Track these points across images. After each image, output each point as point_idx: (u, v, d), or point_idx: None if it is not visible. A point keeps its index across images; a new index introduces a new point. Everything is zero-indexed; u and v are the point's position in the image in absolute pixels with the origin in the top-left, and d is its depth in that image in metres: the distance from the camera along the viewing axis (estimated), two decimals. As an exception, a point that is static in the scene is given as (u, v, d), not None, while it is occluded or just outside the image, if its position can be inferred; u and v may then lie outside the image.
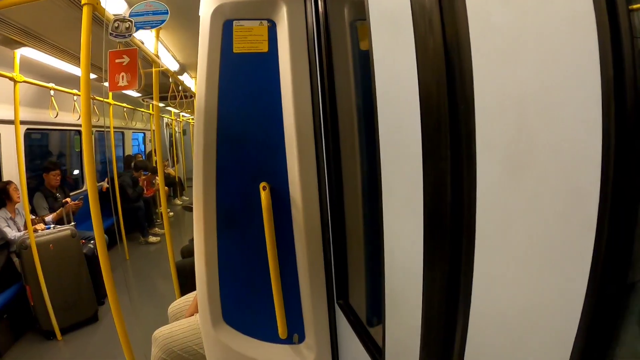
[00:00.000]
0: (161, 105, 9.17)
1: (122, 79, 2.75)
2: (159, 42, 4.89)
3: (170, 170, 12.74)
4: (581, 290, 0.65)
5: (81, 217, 6.24)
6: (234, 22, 2.32)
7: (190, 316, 2.97)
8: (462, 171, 0.94)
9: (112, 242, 6.19)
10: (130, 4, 4.11)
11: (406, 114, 1.14)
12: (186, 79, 8.27)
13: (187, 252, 5.10)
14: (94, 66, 2.80)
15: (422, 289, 1.11)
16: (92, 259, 5.15)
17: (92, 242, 5.45)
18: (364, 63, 1.60)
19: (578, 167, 0.65)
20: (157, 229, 8.96)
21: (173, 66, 7.00)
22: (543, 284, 0.74)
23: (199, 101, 2.30)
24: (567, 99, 0.66)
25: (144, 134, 13.52)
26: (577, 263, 0.66)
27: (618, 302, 0.65)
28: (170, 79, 5.45)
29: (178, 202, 12.56)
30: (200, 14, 2.32)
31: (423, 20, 1.02)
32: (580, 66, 0.63)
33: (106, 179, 8.24)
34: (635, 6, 0.59)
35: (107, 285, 2.81)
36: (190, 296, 3.26)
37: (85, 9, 2.66)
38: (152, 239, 8.47)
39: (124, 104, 8.96)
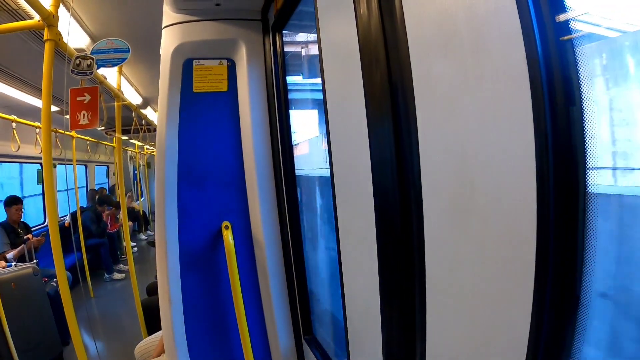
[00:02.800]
0: (125, 138, 9.20)
1: (84, 117, 2.83)
2: (122, 76, 4.99)
3: (135, 205, 12.58)
4: (525, 327, 0.73)
5: (44, 253, 6.19)
6: (194, 61, 2.41)
7: (158, 357, 2.98)
8: (410, 216, 1.05)
9: (76, 280, 6.12)
10: (93, 38, 4.25)
11: (358, 160, 1.26)
12: (149, 112, 8.34)
13: (153, 290, 5.02)
14: (56, 98, 2.90)
15: (381, 328, 1.21)
16: (55, 298, 5.05)
17: (54, 280, 5.31)
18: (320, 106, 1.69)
19: (516, 215, 0.74)
20: (122, 265, 8.84)
21: (136, 100, 7.10)
22: (490, 322, 0.83)
23: (159, 140, 2.36)
24: (504, 150, 0.76)
25: (108, 167, 13.42)
26: (520, 303, 0.74)
27: (561, 340, 0.74)
28: (133, 113, 5.54)
29: (143, 236, 12.45)
30: (161, 52, 2.41)
31: (370, 67, 1.16)
32: (516, 118, 0.73)
33: (69, 214, 8.17)
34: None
35: (70, 326, 2.81)
36: (157, 336, 3.25)
37: (47, 45, 2.77)
38: (117, 275, 8.36)
39: (87, 137, 8.98)
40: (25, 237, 6.04)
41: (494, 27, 0.75)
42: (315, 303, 2.45)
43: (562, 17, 0.70)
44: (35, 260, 5.56)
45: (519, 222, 0.73)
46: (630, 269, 0.76)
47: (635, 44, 0.75)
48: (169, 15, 2.45)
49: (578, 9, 0.70)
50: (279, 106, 2.40)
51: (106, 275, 8.34)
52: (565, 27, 0.70)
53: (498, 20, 0.74)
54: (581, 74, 0.69)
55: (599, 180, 0.69)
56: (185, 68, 2.43)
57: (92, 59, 2.91)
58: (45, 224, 7.79)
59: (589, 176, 0.70)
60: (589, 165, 0.70)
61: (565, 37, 0.70)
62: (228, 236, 2.30)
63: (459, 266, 0.89)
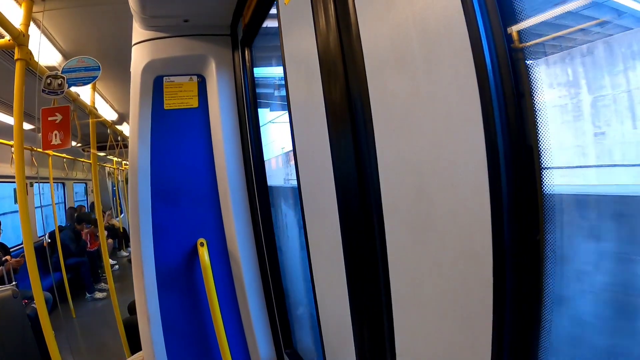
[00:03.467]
0: (101, 154, 9.14)
1: (55, 137, 2.83)
2: (96, 93, 4.98)
3: (114, 222, 12.47)
4: (487, 339, 0.76)
5: (24, 274, 6.11)
6: (165, 78, 2.44)
7: None
8: (373, 230, 1.09)
9: (57, 300, 6.06)
10: (65, 55, 4.24)
11: (322, 174, 1.30)
12: (125, 128, 8.31)
13: (135, 308, 4.93)
14: (31, 116, 2.90)
15: (354, 339, 1.25)
16: (36, 320, 5.00)
17: (34, 302, 5.30)
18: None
19: (472, 231, 0.77)
20: (103, 283, 8.74)
21: (112, 116, 7.08)
22: (452, 334, 0.85)
23: (131, 159, 2.37)
24: (457, 165, 0.79)
25: (86, 184, 13.30)
26: (480, 316, 0.76)
27: (523, 346, 0.76)
28: (109, 130, 5.52)
29: (124, 253, 12.33)
30: (131, 69, 2.43)
31: (329, 80, 1.20)
32: (467, 132, 0.75)
33: (47, 234, 8.09)
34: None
35: (50, 348, 2.83)
36: (140, 355, 3.19)
37: (18, 65, 2.78)
38: (98, 294, 8.27)
39: (64, 155, 8.90)
40: (3, 258, 5.96)
41: (445, 43, 0.78)
42: (295, 316, 2.46)
43: (510, 29, 0.74)
44: (14, 282, 5.50)
45: (475, 237, 0.76)
46: (589, 278, 0.79)
47: (581, 55, 0.80)
48: (138, 32, 2.47)
49: (525, 23, 0.74)
50: (249, 120, 2.42)
51: (87, 295, 8.25)
52: (512, 39, 0.73)
53: (448, 36, 0.77)
54: (532, 85, 0.73)
55: (554, 197, 0.72)
56: (156, 85, 2.45)
57: (63, 78, 2.91)
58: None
59: (544, 183, 0.73)
60: (544, 175, 0.73)
61: (515, 46, 0.74)
62: (204, 253, 2.32)
63: (420, 280, 0.92)
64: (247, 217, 2.45)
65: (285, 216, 2.56)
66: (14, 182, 7.67)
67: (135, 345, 4.22)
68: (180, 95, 2.47)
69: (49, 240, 7.58)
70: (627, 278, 0.76)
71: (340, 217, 1.21)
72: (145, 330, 2.29)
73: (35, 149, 5.65)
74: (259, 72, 2.54)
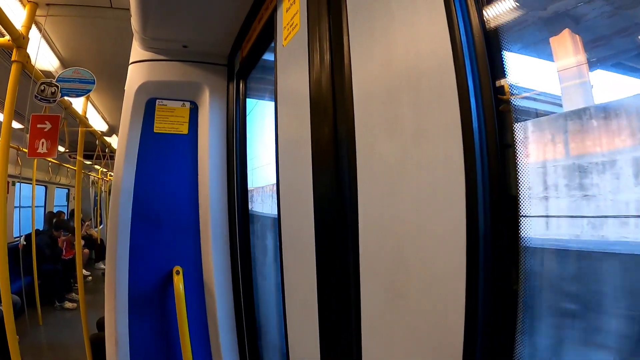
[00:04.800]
0: (88, 162, 9.12)
1: (42, 146, 2.86)
2: (89, 103, 5.01)
3: (93, 232, 12.25)
4: None
5: None
6: (157, 101, 2.49)
7: None
8: (349, 285, 1.09)
9: (25, 305, 5.98)
10: (63, 62, 4.30)
11: (302, 218, 1.33)
12: (114, 140, 8.33)
13: (104, 325, 4.85)
14: (20, 115, 2.94)
15: None
16: (0, 323, 4.97)
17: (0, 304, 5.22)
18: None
19: (446, 304, 0.78)
20: (74, 294, 8.56)
21: (102, 127, 7.13)
22: None
23: (116, 177, 2.40)
24: (437, 236, 0.80)
25: (68, 190, 13.21)
26: None
27: None
28: (97, 140, 5.54)
29: (102, 265, 12.13)
30: (125, 87, 2.47)
31: (318, 119, 1.23)
32: (451, 204, 0.77)
33: (23, 236, 8.00)
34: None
35: (12, 353, 2.78)
36: None
37: (14, 66, 2.81)
38: (68, 304, 8.13)
39: (50, 158, 8.87)
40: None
41: (435, 112, 0.82)
42: (265, 352, 2.46)
43: (502, 108, 0.77)
44: (-17, 283, 5.40)
45: (448, 311, 0.78)
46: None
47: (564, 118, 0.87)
48: (136, 51, 2.53)
49: (515, 110, 0.77)
50: (237, 152, 2.46)
51: (57, 303, 8.10)
52: (501, 114, 0.77)
53: (439, 105, 0.81)
54: (518, 169, 0.76)
55: (531, 273, 0.75)
56: (148, 107, 2.49)
57: (57, 86, 2.96)
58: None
59: (521, 267, 0.75)
60: (522, 253, 0.75)
61: (503, 118, 0.77)
62: (179, 282, 2.33)
63: (392, 344, 0.93)
64: (226, 249, 2.46)
65: (264, 252, 2.59)
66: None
67: (103, 363, 4.13)
68: (171, 120, 2.51)
69: (24, 243, 7.50)
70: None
71: (317, 264, 1.23)
72: (112, 353, 2.29)
73: (21, 148, 5.65)
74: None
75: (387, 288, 0.93)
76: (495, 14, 0.80)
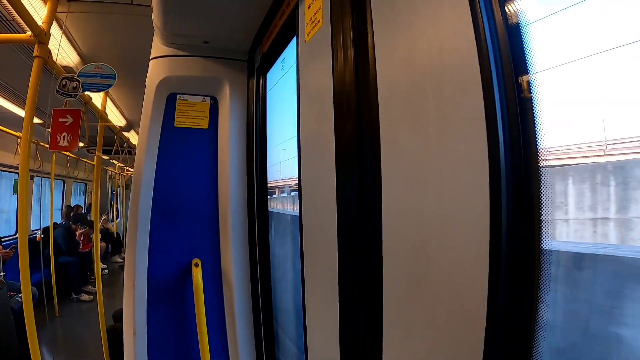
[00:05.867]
0: (106, 157, 9.19)
1: (64, 139, 2.91)
2: (108, 98, 5.06)
3: (109, 226, 12.41)
4: None
5: (11, 266, 6.09)
6: (178, 96, 2.51)
7: None
8: (370, 276, 1.09)
9: (42, 297, 6.04)
10: (83, 58, 4.36)
11: (324, 214, 1.34)
12: (132, 135, 8.42)
13: (120, 317, 4.71)
14: (41, 111, 2.96)
15: None
16: (19, 313, 4.89)
17: (20, 295, 5.25)
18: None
19: (467, 292, 0.78)
20: (90, 286, 8.66)
21: (120, 122, 7.21)
22: None
23: (136, 171, 2.43)
24: (460, 226, 0.81)
25: (86, 184, 13.34)
26: None
27: None
28: (116, 135, 5.59)
29: (118, 259, 12.23)
30: (146, 83, 2.50)
31: (342, 116, 1.24)
32: (474, 198, 0.78)
33: (41, 229, 8.09)
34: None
35: (30, 343, 2.81)
36: None
37: (35, 62, 2.84)
38: (84, 296, 8.23)
39: (68, 152, 8.99)
40: (-7, 248, 5.95)
41: (458, 104, 0.83)
42: (283, 349, 2.48)
43: (523, 90, 0.77)
44: (2, 273, 5.49)
45: (469, 299, 0.79)
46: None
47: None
48: (157, 47, 2.56)
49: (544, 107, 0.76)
50: (257, 147, 2.48)
51: (73, 296, 8.19)
52: (525, 104, 0.77)
53: (462, 99, 0.82)
54: (539, 155, 0.76)
55: (551, 266, 0.74)
56: (169, 101, 2.52)
57: (79, 81, 3.00)
58: (16, 236, 7.71)
59: (543, 258, 0.75)
60: (543, 246, 0.74)
61: (526, 107, 0.77)
62: (197, 274, 2.36)
63: (413, 334, 0.94)
64: (245, 243, 2.49)
65: (284, 246, 2.60)
66: (12, 172, 7.68)
67: (116, 355, 4.17)
68: (191, 115, 2.54)
69: (42, 236, 7.59)
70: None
71: (339, 257, 1.24)
72: (130, 344, 2.31)
73: (41, 143, 5.73)
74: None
75: (410, 281, 0.94)
76: (518, 8, 0.80)
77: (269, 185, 2.51)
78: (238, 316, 2.41)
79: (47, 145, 2.95)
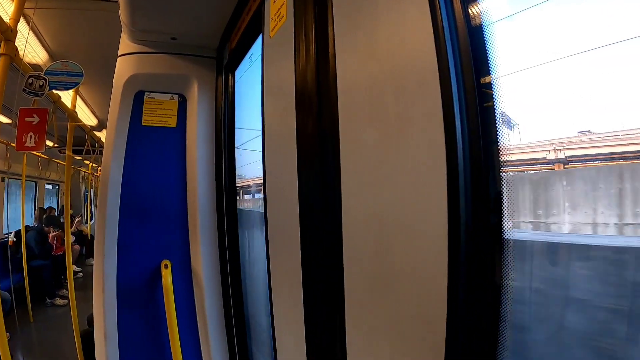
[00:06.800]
0: (78, 158, 9.06)
1: (30, 139, 2.86)
2: (79, 97, 4.99)
3: (83, 227, 12.25)
4: None
5: None
6: (146, 94, 2.48)
7: None
8: (332, 278, 1.09)
9: (16, 302, 5.96)
10: (52, 55, 4.28)
11: (288, 210, 1.33)
12: (104, 135, 8.28)
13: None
14: (10, 110, 2.90)
15: None
16: None
17: None
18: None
19: (429, 298, 0.78)
20: (65, 290, 8.44)
21: (92, 121, 7.12)
22: None
23: (104, 171, 2.39)
24: (419, 227, 0.81)
25: (59, 185, 13.13)
26: None
27: None
28: (87, 135, 5.50)
29: (92, 262, 12.02)
30: (114, 80, 2.46)
31: (303, 113, 1.24)
32: (432, 195, 0.77)
33: (13, 232, 7.95)
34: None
35: (1, 350, 2.78)
36: None
37: (1, 60, 2.79)
38: (59, 301, 8.10)
39: (39, 153, 8.85)
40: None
41: (419, 104, 0.82)
42: (254, 345, 2.47)
43: (484, 89, 0.77)
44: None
45: (431, 299, 0.78)
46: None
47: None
48: (125, 44, 2.52)
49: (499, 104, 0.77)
50: (225, 145, 2.47)
51: (47, 300, 8.08)
52: (485, 100, 0.77)
53: (422, 97, 0.81)
54: (500, 154, 0.76)
55: (510, 264, 0.74)
56: (137, 99, 2.48)
57: (45, 79, 2.96)
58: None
59: (502, 259, 0.75)
60: (505, 241, 0.75)
61: (487, 106, 0.77)
62: (167, 276, 2.33)
63: (375, 332, 0.94)
64: (214, 242, 2.47)
65: (252, 243, 2.59)
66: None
67: (91, 359, 4.13)
68: (159, 113, 2.50)
69: (15, 239, 7.47)
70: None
71: (303, 257, 1.24)
72: (101, 348, 2.29)
73: (11, 143, 5.62)
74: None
75: (370, 280, 0.94)
76: (476, 5, 0.80)
77: (244, 183, 2.48)
78: (209, 316, 2.40)
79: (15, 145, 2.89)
